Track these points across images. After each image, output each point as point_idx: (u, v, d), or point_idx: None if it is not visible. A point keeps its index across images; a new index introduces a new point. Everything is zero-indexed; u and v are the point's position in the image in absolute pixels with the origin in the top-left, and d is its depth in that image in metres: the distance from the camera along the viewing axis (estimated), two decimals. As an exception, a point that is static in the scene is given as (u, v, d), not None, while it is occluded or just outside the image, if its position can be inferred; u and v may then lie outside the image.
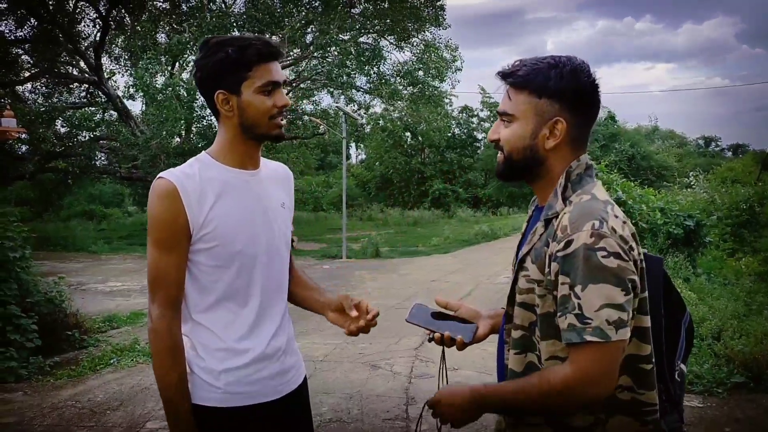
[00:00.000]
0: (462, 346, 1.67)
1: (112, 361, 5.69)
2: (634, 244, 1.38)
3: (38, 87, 20.90)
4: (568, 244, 1.33)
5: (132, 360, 5.73)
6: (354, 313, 1.81)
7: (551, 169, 1.48)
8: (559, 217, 1.40)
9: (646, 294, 1.41)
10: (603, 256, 1.31)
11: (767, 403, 4.51)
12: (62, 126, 19.97)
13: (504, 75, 1.49)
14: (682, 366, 1.60)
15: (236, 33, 18.33)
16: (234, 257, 1.69)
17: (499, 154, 1.54)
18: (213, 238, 1.66)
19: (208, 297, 1.70)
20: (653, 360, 1.42)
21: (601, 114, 25.83)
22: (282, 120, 1.71)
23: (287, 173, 1.94)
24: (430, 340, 1.73)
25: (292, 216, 1.93)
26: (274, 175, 1.87)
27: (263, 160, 1.83)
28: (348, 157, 21.82)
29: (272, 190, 1.82)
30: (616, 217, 1.38)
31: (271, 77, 1.66)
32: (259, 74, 1.64)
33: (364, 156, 37.56)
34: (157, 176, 1.67)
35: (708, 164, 26.37)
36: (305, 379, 1.91)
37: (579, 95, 1.44)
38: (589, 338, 1.30)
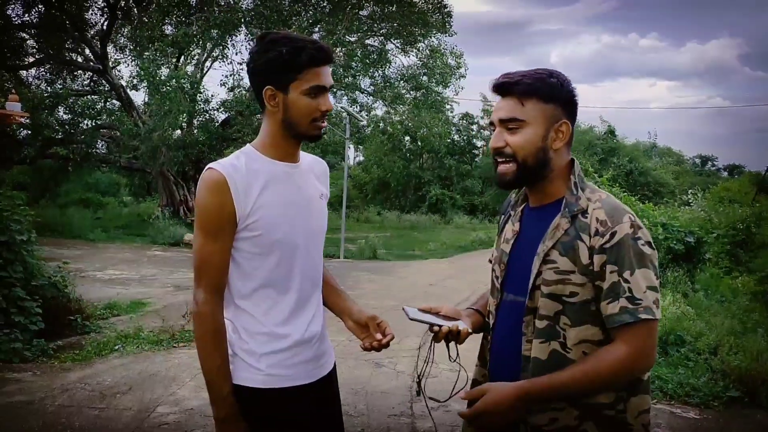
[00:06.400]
0: (465, 337, 1.71)
1: (117, 347, 5.71)
2: None
3: (42, 73, 20.81)
4: (613, 235, 1.47)
5: (137, 347, 5.77)
6: (378, 336, 1.87)
7: (553, 168, 1.60)
8: (589, 212, 1.52)
9: None
10: (642, 244, 1.48)
11: (761, 419, 4.59)
12: (64, 113, 19.94)
13: (508, 86, 1.58)
14: None
15: (243, 29, 18.37)
16: (276, 245, 1.75)
17: (504, 165, 1.60)
18: (258, 227, 1.72)
19: (250, 283, 1.77)
20: None
21: (601, 128, 25.75)
22: (323, 123, 1.77)
23: (324, 166, 2.01)
24: (434, 335, 1.70)
25: None
26: (313, 168, 1.93)
27: (302, 154, 1.90)
28: (347, 157, 21.81)
29: (312, 182, 1.89)
30: None
31: (319, 81, 1.71)
32: (308, 77, 1.70)
33: (361, 158, 37.63)
34: (207, 167, 1.74)
35: (704, 183, 26.58)
36: (335, 365, 1.98)
37: (573, 102, 1.61)
38: (643, 316, 1.44)
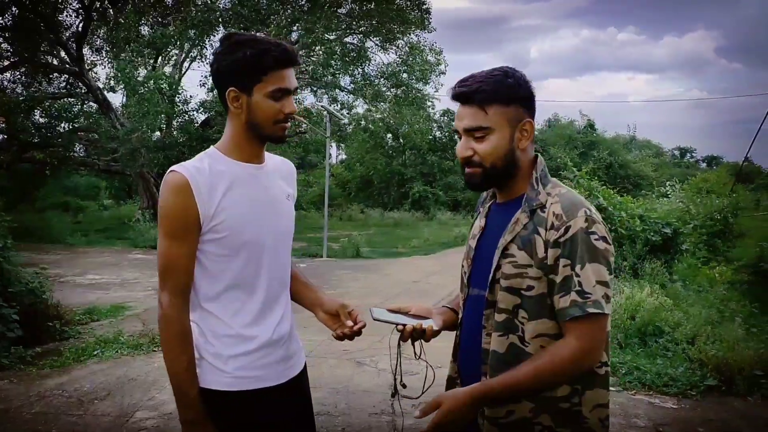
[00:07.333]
0: (432, 335, 1.73)
1: (96, 353, 5.66)
2: None
3: (18, 76, 20.52)
4: (567, 230, 1.49)
5: (116, 352, 5.72)
6: (349, 323, 1.87)
7: (521, 166, 1.62)
8: (547, 207, 1.54)
9: None
10: (595, 239, 1.49)
11: (738, 406, 4.64)
12: (41, 116, 19.70)
13: (468, 95, 1.57)
14: None
15: (221, 29, 18.25)
16: (242, 246, 1.74)
17: (470, 169, 1.61)
18: (223, 229, 1.71)
19: (216, 285, 1.75)
20: None
21: (581, 122, 25.89)
22: (287, 124, 1.77)
23: (291, 167, 2.01)
24: (400, 334, 1.74)
25: None
26: (279, 169, 1.93)
27: (267, 154, 1.89)
28: (328, 156, 21.79)
29: (278, 182, 1.88)
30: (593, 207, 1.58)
31: (282, 84, 1.70)
32: (272, 80, 1.69)
33: (344, 156, 37.59)
34: (169, 170, 1.72)
35: (683, 175, 26.84)
36: (305, 365, 1.98)
37: (532, 98, 1.62)
38: (590, 310, 1.45)
